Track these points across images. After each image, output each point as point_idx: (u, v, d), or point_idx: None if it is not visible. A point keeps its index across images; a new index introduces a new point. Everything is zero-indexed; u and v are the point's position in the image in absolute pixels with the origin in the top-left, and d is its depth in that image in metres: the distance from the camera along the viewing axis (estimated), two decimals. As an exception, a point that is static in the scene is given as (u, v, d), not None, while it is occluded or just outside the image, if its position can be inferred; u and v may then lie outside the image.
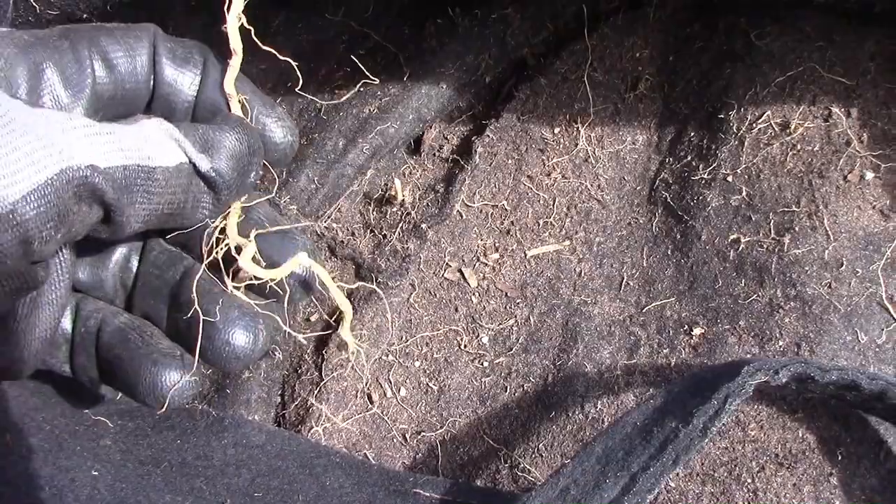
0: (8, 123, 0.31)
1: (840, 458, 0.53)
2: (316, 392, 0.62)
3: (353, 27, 0.70)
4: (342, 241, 0.69)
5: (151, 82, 0.43)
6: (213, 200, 0.42)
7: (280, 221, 0.46)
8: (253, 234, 0.42)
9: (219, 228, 0.43)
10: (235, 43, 0.42)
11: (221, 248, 0.42)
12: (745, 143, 0.61)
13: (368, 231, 0.70)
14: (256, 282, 0.42)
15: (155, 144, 0.39)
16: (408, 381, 0.64)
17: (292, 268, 0.42)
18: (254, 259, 0.42)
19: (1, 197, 0.30)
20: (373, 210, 0.71)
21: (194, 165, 0.40)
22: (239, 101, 0.44)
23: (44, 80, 0.39)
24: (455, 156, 0.71)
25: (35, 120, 0.33)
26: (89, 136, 0.35)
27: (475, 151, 0.67)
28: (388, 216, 0.69)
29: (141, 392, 0.43)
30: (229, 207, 0.43)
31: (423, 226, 0.67)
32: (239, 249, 0.42)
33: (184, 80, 0.44)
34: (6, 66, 0.38)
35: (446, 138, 0.72)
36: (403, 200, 0.69)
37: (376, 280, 0.65)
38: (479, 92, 0.71)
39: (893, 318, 0.54)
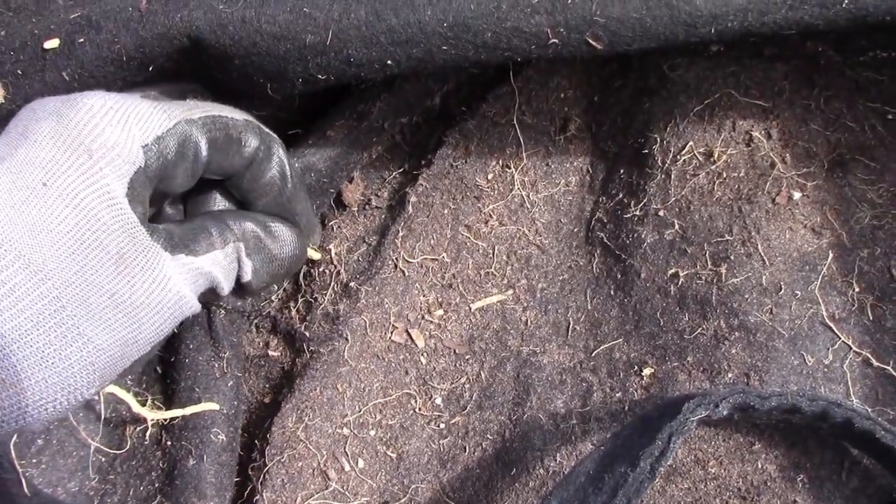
0: None
1: (802, 484, 0.56)
2: (261, 479, 0.63)
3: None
4: (278, 309, 0.72)
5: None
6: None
7: None
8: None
9: None
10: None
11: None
12: (672, 176, 0.65)
13: (301, 298, 0.72)
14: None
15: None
16: (364, 451, 0.66)
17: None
18: None
19: None
20: (303, 274, 0.73)
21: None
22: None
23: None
24: (387, 206, 0.73)
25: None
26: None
27: (408, 202, 0.70)
28: (317, 279, 0.72)
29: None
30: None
31: (353, 284, 0.69)
32: None
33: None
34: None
35: (377, 194, 0.74)
36: (332, 258, 0.71)
37: (308, 348, 0.68)
38: (389, 142, 0.73)
39: (837, 336, 0.58)
